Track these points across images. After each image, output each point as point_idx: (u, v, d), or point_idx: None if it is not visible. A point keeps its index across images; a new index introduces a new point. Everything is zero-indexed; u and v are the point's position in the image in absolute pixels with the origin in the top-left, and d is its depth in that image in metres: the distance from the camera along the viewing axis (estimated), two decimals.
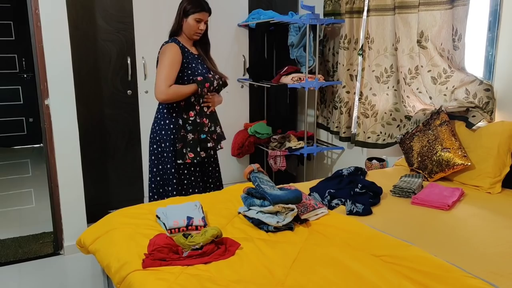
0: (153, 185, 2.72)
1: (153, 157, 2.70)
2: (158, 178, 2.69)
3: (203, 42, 2.72)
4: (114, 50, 3.48)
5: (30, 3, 2.77)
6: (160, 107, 2.68)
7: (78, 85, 3.05)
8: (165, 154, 2.63)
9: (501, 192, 2.43)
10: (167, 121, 2.62)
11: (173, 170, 2.61)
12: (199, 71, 2.62)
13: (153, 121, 2.72)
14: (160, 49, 2.61)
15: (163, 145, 2.63)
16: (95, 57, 3.42)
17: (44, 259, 3.04)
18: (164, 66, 2.51)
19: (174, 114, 2.61)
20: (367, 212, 2.13)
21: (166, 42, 2.60)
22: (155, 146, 2.68)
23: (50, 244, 3.21)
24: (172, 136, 2.60)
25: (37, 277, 2.81)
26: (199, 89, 2.55)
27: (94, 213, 3.13)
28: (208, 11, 2.62)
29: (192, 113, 2.62)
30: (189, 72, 2.59)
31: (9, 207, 4.01)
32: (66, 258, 3.06)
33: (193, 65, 2.61)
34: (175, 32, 2.65)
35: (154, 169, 2.70)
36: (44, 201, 4.01)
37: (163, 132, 2.62)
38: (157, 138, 2.65)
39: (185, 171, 2.65)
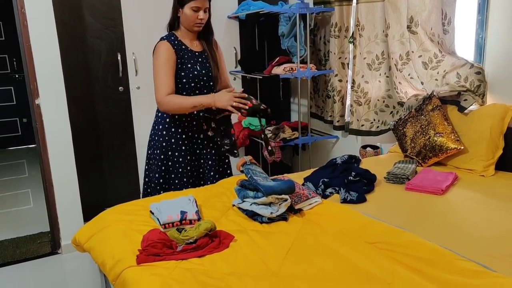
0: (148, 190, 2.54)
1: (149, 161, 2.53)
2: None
3: (206, 35, 2.44)
4: (103, 46, 3.45)
5: (15, 2, 2.75)
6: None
7: (68, 83, 3.03)
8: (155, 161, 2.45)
9: (495, 174, 2.44)
10: (162, 129, 2.42)
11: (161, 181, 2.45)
12: (196, 72, 2.36)
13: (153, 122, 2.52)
14: (154, 47, 2.38)
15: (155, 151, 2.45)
16: (84, 54, 3.40)
17: (42, 259, 3.04)
18: (157, 71, 2.27)
19: (168, 126, 2.39)
20: (361, 199, 2.13)
21: (161, 38, 2.36)
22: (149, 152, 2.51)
23: (47, 244, 3.21)
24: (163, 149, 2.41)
25: (35, 277, 2.81)
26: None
27: (90, 211, 3.11)
28: None
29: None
30: (182, 74, 2.33)
31: (6, 208, 4.01)
32: (64, 257, 3.07)
33: (189, 65, 2.34)
34: (172, 26, 2.40)
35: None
36: (41, 201, 3.99)
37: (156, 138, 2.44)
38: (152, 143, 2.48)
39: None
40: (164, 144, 2.41)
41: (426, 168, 2.51)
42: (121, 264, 1.62)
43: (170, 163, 2.43)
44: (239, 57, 4.03)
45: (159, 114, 2.45)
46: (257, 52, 4.00)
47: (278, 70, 3.59)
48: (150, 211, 1.99)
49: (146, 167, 2.53)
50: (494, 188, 2.25)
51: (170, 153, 2.42)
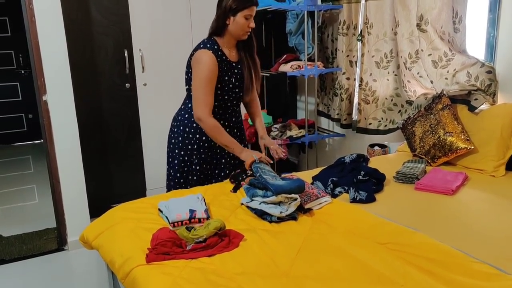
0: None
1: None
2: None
3: (248, 43, 2.35)
4: (110, 43, 3.44)
5: None
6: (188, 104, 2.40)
7: (75, 79, 3.02)
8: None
9: (505, 175, 2.41)
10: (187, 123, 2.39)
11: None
12: (231, 85, 2.32)
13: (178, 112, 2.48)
14: (194, 52, 2.27)
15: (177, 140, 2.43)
16: (91, 50, 3.39)
17: (49, 255, 3.05)
18: (201, 85, 2.21)
19: (194, 131, 2.36)
20: (370, 199, 2.11)
21: (203, 45, 2.25)
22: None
23: (54, 240, 3.21)
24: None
25: (42, 274, 2.81)
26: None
27: (96, 208, 3.12)
28: (257, 3, 2.25)
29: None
30: (218, 85, 2.28)
31: (12, 203, 4.01)
32: (70, 253, 3.07)
33: (226, 78, 2.30)
34: (218, 32, 2.28)
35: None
36: (47, 197, 4.00)
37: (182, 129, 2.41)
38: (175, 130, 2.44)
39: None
40: (188, 147, 2.39)
41: (435, 168, 2.49)
42: (131, 263, 1.61)
43: (188, 163, 2.42)
44: None
45: (187, 117, 2.38)
46: (264, 49, 3.98)
47: (285, 68, 3.57)
48: (159, 209, 1.98)
49: (168, 160, 2.50)
50: (505, 188, 2.23)
51: (189, 156, 2.40)
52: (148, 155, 3.73)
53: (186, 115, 2.40)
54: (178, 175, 2.44)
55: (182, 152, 2.41)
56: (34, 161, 5.40)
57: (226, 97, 2.35)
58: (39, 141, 6.25)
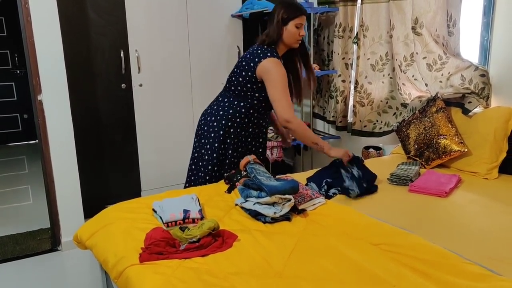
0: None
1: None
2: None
3: (301, 52, 2.52)
4: (106, 43, 3.44)
5: None
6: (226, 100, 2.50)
7: (71, 79, 3.02)
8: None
9: (498, 177, 2.43)
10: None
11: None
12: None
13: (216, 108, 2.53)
14: (259, 59, 2.35)
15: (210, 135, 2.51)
16: (87, 51, 3.39)
17: (42, 255, 3.03)
18: (282, 89, 2.31)
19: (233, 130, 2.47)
20: (363, 191, 2.19)
21: (270, 53, 2.36)
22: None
23: (47, 240, 3.20)
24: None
25: (35, 274, 2.80)
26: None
27: (91, 208, 3.11)
28: (306, 13, 2.42)
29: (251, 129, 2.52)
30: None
31: (6, 204, 3.99)
32: (64, 254, 3.05)
33: None
34: (274, 42, 2.41)
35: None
36: (41, 197, 3.98)
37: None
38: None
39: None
40: (227, 140, 2.47)
41: (429, 170, 2.50)
42: (124, 262, 1.61)
43: (226, 161, 2.49)
44: None
45: (232, 112, 2.45)
46: None
47: None
48: (153, 210, 1.98)
49: (199, 154, 2.55)
50: (497, 191, 2.24)
51: (229, 151, 2.49)
52: (143, 156, 3.72)
53: (231, 111, 2.46)
54: (215, 168, 2.50)
55: (222, 146, 2.47)
56: (29, 161, 5.38)
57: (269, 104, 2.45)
58: (34, 142, 6.23)
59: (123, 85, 3.55)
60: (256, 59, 2.36)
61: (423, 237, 1.69)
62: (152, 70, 3.64)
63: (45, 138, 2.95)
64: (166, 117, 3.76)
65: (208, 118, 2.53)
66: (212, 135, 2.49)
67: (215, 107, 2.54)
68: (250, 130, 2.53)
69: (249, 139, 2.55)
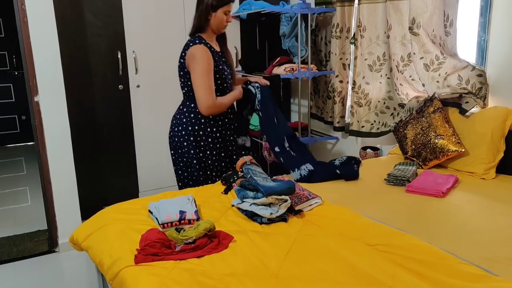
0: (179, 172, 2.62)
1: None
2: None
3: (222, 36, 2.61)
4: (103, 44, 3.43)
5: None
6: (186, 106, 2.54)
7: (68, 80, 3.01)
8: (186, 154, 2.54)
9: (496, 177, 2.43)
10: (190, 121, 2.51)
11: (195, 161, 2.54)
12: (226, 72, 2.51)
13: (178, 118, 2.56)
14: (186, 49, 2.43)
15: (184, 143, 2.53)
16: (84, 52, 3.38)
17: (39, 257, 3.02)
18: (202, 75, 2.37)
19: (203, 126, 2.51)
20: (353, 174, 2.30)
21: (192, 42, 2.42)
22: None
23: (45, 242, 3.19)
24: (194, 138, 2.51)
25: (32, 276, 2.79)
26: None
27: (88, 210, 3.11)
28: (233, 0, 2.50)
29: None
30: (217, 76, 2.46)
31: (4, 205, 3.98)
32: (61, 255, 3.05)
33: (220, 67, 2.48)
34: (200, 29, 2.48)
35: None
36: (39, 199, 3.98)
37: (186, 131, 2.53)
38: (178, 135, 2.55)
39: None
40: (201, 143, 2.49)
41: (426, 171, 2.50)
42: (119, 264, 1.61)
43: (209, 162, 2.52)
44: (239, 57, 4.01)
45: (193, 117, 2.48)
46: (258, 52, 3.98)
47: (278, 70, 3.57)
48: (149, 211, 1.97)
49: (181, 164, 2.56)
50: (495, 191, 2.24)
51: (208, 152, 2.52)
52: (140, 157, 3.71)
53: (192, 115, 2.49)
54: (200, 172, 2.51)
55: (198, 150, 2.49)
56: (27, 162, 5.37)
57: (225, 84, 2.52)
58: (32, 143, 6.21)
59: (120, 86, 3.55)
60: (183, 53, 2.44)
61: (420, 237, 1.68)
62: (149, 71, 3.64)
63: (42, 139, 2.94)
64: (164, 118, 3.74)
65: (176, 129, 2.53)
66: (185, 143, 2.50)
67: (177, 116, 2.55)
68: (220, 122, 2.55)
69: (223, 132, 2.57)
